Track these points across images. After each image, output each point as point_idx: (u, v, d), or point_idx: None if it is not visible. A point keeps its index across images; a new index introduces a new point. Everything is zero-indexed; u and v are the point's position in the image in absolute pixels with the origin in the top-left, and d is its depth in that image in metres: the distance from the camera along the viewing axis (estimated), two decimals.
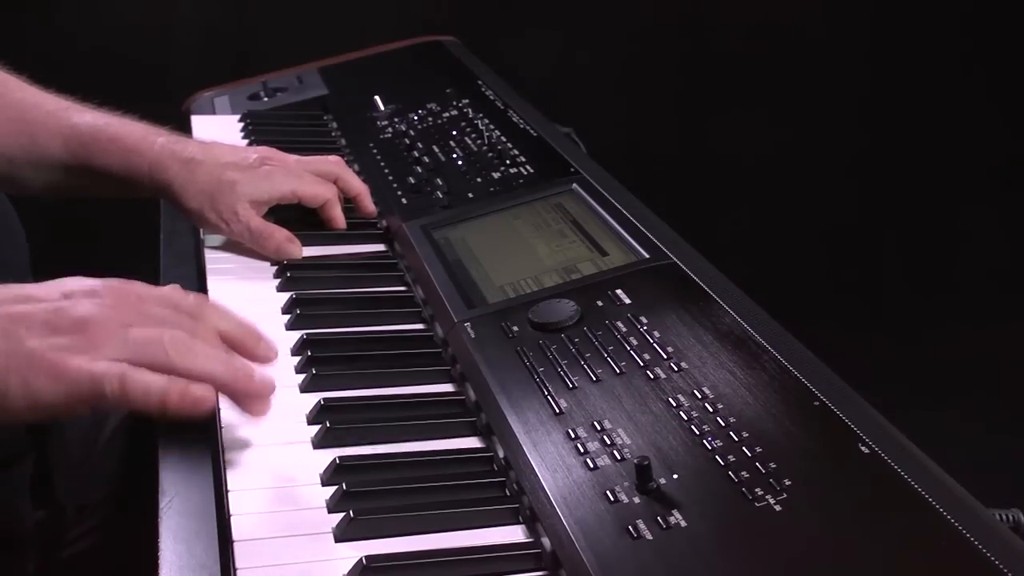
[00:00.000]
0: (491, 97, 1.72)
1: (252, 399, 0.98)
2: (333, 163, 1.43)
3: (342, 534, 0.89)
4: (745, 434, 0.90)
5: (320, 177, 1.40)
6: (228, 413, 1.02)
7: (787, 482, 0.84)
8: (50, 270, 1.02)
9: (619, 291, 1.12)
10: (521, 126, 1.59)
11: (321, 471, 0.97)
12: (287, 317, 1.22)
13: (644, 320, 1.07)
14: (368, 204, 1.44)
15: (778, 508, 0.82)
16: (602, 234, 1.27)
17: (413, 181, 1.49)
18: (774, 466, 0.86)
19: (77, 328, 0.92)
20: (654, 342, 1.03)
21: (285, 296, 1.25)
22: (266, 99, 1.88)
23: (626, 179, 1.38)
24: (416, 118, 1.68)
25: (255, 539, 0.89)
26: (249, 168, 1.36)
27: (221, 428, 1.02)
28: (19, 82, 1.42)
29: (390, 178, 1.51)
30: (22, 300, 0.94)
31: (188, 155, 1.36)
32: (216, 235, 1.38)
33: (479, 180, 1.46)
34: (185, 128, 1.75)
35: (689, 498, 0.85)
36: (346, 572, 0.85)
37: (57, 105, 1.40)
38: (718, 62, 3.00)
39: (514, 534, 0.91)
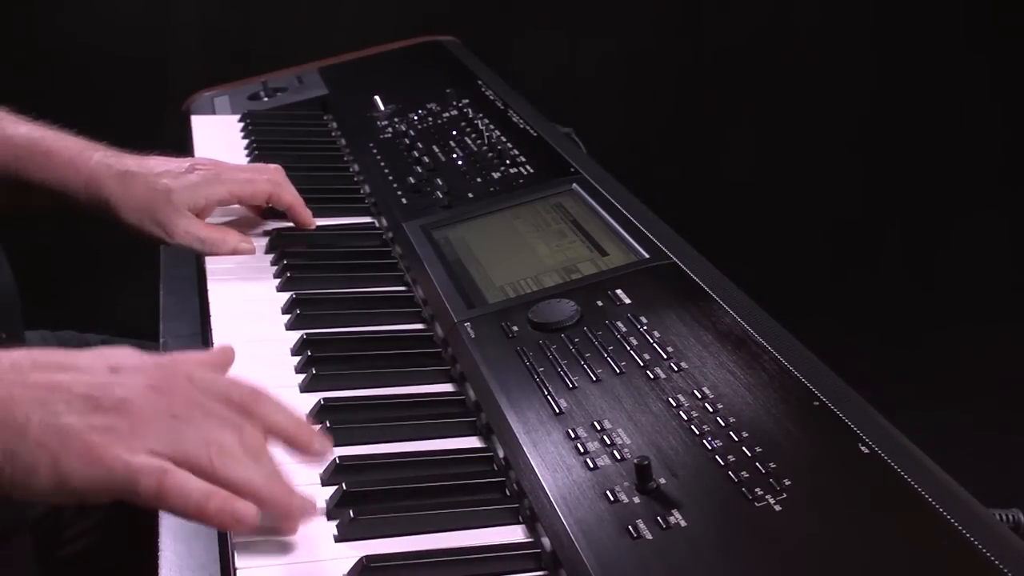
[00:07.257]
0: (491, 97, 1.72)
1: (286, 519, 0.89)
2: (268, 172, 1.41)
3: (342, 534, 0.89)
4: (745, 434, 0.90)
5: (252, 179, 1.39)
6: None
7: (787, 482, 0.84)
8: (52, 270, 1.01)
9: (619, 291, 1.12)
10: (521, 126, 1.59)
11: (321, 471, 0.97)
12: (287, 317, 1.22)
13: (644, 320, 1.07)
14: (304, 216, 1.41)
15: (778, 508, 0.82)
16: (602, 234, 1.26)
17: (413, 181, 1.49)
18: (774, 466, 0.86)
19: (119, 409, 0.83)
20: (654, 342, 1.03)
21: (285, 296, 1.25)
22: (266, 99, 1.88)
23: (626, 179, 1.38)
24: (416, 118, 1.68)
25: (255, 539, 0.89)
26: (182, 175, 1.34)
27: None
28: None
29: (390, 178, 1.51)
30: (64, 368, 0.85)
31: (123, 168, 1.35)
32: None
33: (479, 180, 1.46)
34: (185, 128, 1.75)
35: (689, 498, 0.85)
36: (346, 572, 0.85)
37: None
38: (719, 62, 3.00)
39: (514, 534, 0.91)
